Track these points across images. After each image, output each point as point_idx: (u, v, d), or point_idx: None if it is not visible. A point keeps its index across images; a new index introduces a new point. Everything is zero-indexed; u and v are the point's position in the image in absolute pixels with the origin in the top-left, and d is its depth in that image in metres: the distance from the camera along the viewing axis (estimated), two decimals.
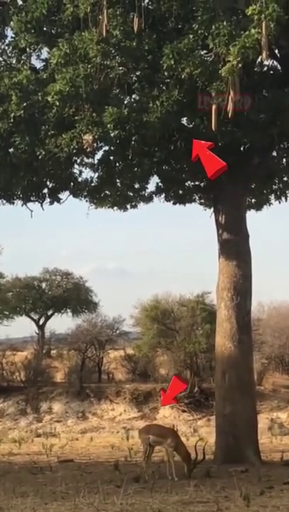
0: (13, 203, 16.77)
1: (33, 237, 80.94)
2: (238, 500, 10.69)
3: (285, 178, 18.14)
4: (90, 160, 16.03)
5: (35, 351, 31.08)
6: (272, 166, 17.35)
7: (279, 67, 15.99)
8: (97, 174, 16.55)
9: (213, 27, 12.77)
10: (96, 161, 16.14)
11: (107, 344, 30.40)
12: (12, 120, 14.27)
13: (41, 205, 16.79)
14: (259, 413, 20.60)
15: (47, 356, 31.58)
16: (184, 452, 13.87)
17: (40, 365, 29.10)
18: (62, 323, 48.69)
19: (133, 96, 14.53)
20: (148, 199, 17.67)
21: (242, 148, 16.40)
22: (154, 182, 17.30)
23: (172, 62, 13.19)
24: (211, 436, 18.05)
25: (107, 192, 17.18)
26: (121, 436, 23.36)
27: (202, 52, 13.80)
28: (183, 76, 13.37)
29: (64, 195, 16.89)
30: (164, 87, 13.99)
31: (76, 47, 13.70)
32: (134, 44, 13.46)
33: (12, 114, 14.17)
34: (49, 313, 36.80)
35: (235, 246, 16.89)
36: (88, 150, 14.36)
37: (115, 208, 17.83)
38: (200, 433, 22.85)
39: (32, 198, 16.66)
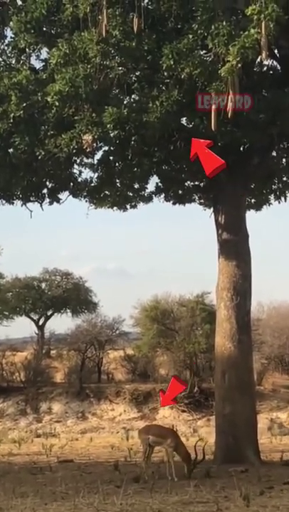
0: (13, 203, 16.78)
1: (33, 238, 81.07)
2: (237, 500, 10.69)
3: (285, 178, 18.13)
4: (90, 160, 16.05)
5: (35, 351, 31.08)
6: (271, 166, 17.35)
7: (279, 67, 16.00)
8: (96, 174, 16.56)
9: (213, 27, 12.77)
10: (96, 161, 16.15)
11: (107, 344, 30.39)
12: (12, 120, 14.26)
13: (41, 206, 16.80)
14: (259, 413, 20.60)
15: (47, 356, 31.57)
16: (184, 452, 13.86)
17: (40, 365, 29.10)
18: (62, 323, 48.79)
19: (133, 96, 14.53)
20: (148, 199, 17.66)
21: (242, 149, 16.40)
22: (153, 182, 17.34)
23: (172, 63, 13.20)
24: (211, 437, 18.05)
25: (106, 192, 17.18)
26: (121, 436, 23.36)
27: (202, 53, 13.81)
28: (182, 76, 13.38)
29: (64, 195, 16.92)
30: (163, 87, 13.99)
31: (76, 47, 13.69)
32: (134, 44, 13.46)
33: (12, 115, 14.17)
34: (49, 313, 36.81)
35: (234, 246, 16.89)
36: (88, 150, 14.36)
37: (115, 208, 17.82)
38: (200, 433, 22.85)
39: (32, 198, 16.66)
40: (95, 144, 14.36)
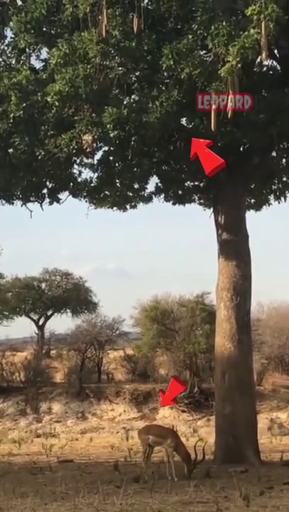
0: (13, 204, 16.79)
1: (33, 238, 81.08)
2: (237, 500, 10.69)
3: (285, 179, 18.13)
4: (90, 160, 16.05)
5: (35, 351, 31.07)
6: (271, 167, 17.35)
7: (278, 67, 16.00)
8: (96, 174, 16.56)
9: (213, 27, 12.77)
10: (95, 162, 16.15)
11: (107, 344, 30.38)
12: (11, 120, 14.26)
13: (41, 206, 16.80)
14: (259, 413, 20.60)
15: (46, 356, 31.56)
16: (184, 453, 13.87)
17: (40, 365, 29.09)
18: (61, 323, 48.77)
19: (132, 96, 14.53)
20: (147, 199, 17.67)
21: (241, 149, 16.41)
22: (153, 182, 17.34)
23: (171, 63, 13.20)
24: (211, 437, 18.05)
25: (106, 192, 17.18)
26: (121, 436, 23.36)
27: (201, 53, 13.81)
28: (182, 76, 13.38)
29: (63, 195, 16.92)
30: (163, 88, 13.99)
31: (75, 47, 13.69)
32: (134, 44, 13.45)
33: (11, 115, 14.16)
34: (49, 313, 36.80)
35: (234, 246, 16.90)
36: (88, 150, 14.36)
37: (115, 208, 17.82)
38: (200, 433, 22.85)
39: (31, 199, 16.66)
40: (94, 144, 14.36)
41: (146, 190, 17.47)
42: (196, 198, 18.75)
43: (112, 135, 14.12)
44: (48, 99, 13.85)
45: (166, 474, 13.70)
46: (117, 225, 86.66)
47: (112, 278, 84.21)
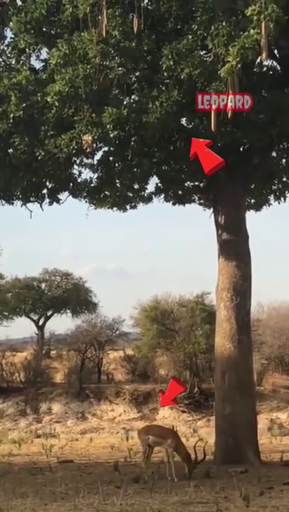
0: (13, 204, 16.78)
1: (33, 238, 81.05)
2: (237, 500, 10.69)
3: (285, 179, 18.13)
4: (90, 160, 16.05)
5: (35, 352, 31.08)
6: (271, 167, 17.35)
7: (278, 67, 16.00)
8: (96, 175, 16.57)
9: (213, 27, 12.78)
10: (95, 162, 16.15)
11: (107, 345, 30.38)
12: (11, 121, 14.26)
13: (41, 206, 16.79)
14: (259, 413, 20.60)
15: (46, 357, 31.56)
16: (184, 453, 13.86)
17: (40, 365, 29.09)
18: (61, 323, 48.78)
19: (132, 96, 14.53)
20: (147, 199, 17.66)
21: (241, 149, 16.41)
22: (153, 182, 17.34)
23: (171, 63, 13.20)
24: (211, 437, 18.04)
25: (106, 192, 17.17)
26: (120, 436, 23.35)
27: (201, 53, 13.82)
28: (182, 76, 13.39)
29: (63, 195, 16.90)
30: (163, 88, 13.99)
31: (75, 47, 13.69)
32: (134, 45, 13.46)
33: (11, 115, 14.17)
34: (49, 313, 36.80)
35: (234, 246, 16.89)
36: (88, 150, 14.36)
37: (115, 208, 17.82)
38: (200, 433, 22.84)
39: (31, 199, 16.65)
40: (94, 145, 14.36)
41: (146, 191, 17.48)
42: (196, 198, 18.75)
43: (112, 135, 14.11)
44: (48, 100, 13.85)
45: (166, 474, 13.70)
46: (117, 225, 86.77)
47: (112, 278, 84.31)
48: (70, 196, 16.94)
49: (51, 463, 16.97)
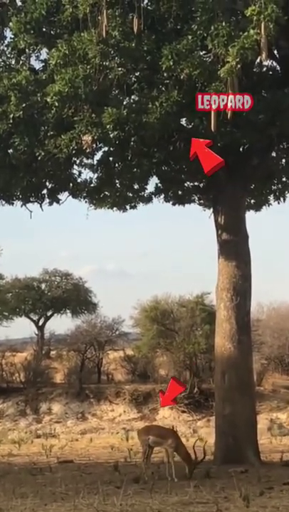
0: (13, 204, 16.77)
1: (33, 238, 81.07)
2: (237, 500, 10.69)
3: (284, 179, 18.13)
4: (90, 161, 16.03)
5: (35, 352, 31.09)
6: (271, 167, 17.35)
7: (278, 67, 16.01)
8: (96, 175, 16.55)
9: (212, 28, 12.78)
10: (95, 162, 16.12)
11: (107, 345, 30.39)
12: (11, 121, 14.26)
13: (40, 206, 16.78)
14: (258, 414, 20.61)
15: (46, 357, 31.57)
16: (184, 453, 13.87)
17: (40, 366, 29.09)
18: (61, 324, 48.81)
19: (132, 97, 14.53)
20: (147, 200, 17.66)
21: (241, 149, 16.41)
22: (153, 183, 17.33)
23: (171, 63, 13.20)
24: (211, 437, 18.04)
25: (106, 193, 17.16)
26: (120, 437, 23.34)
27: (201, 53, 13.82)
28: (182, 77, 13.38)
29: (63, 195, 16.89)
30: (163, 88, 13.99)
31: (75, 48, 13.69)
32: (134, 45, 13.46)
33: (11, 115, 14.16)
34: (48, 314, 36.82)
35: (234, 247, 16.89)
36: (87, 151, 14.36)
37: (115, 208, 17.80)
38: (200, 434, 22.83)
39: (31, 199, 16.65)
40: (94, 145, 14.36)
41: (146, 191, 17.46)
42: (196, 199, 18.75)
43: (111, 135, 14.11)
44: (48, 100, 13.85)
45: (166, 475, 13.70)
46: (117, 225, 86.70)
47: (112, 278, 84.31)
48: (70, 196, 16.93)
49: (51, 463, 16.97)
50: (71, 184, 16.59)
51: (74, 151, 14.37)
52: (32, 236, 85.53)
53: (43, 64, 14.93)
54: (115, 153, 15.65)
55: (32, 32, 14.17)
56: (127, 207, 17.80)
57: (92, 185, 16.71)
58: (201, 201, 18.88)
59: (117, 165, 16.27)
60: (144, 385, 27.35)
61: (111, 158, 16.06)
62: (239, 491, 11.13)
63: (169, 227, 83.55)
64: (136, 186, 17.13)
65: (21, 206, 16.74)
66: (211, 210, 17.68)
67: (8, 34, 14.95)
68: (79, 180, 16.63)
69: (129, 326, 30.92)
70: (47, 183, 16.62)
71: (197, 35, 13.17)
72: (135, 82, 14.56)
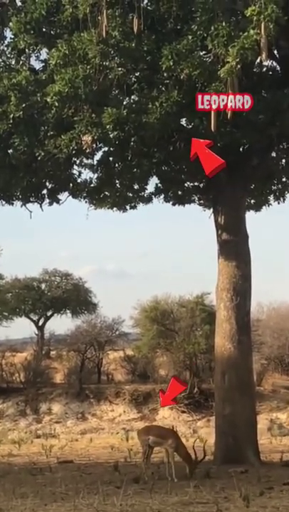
0: (13, 204, 16.78)
1: (33, 238, 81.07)
2: (237, 500, 10.70)
3: (284, 179, 18.13)
4: (90, 161, 16.03)
5: (35, 352, 31.09)
6: (271, 167, 17.35)
7: (278, 67, 16.00)
8: (96, 175, 16.55)
9: (212, 28, 12.78)
10: (95, 162, 16.13)
11: (107, 345, 30.39)
12: (11, 121, 14.26)
13: (40, 206, 16.79)
14: (258, 414, 20.61)
15: (46, 357, 31.57)
16: (184, 453, 13.87)
17: (40, 366, 29.09)
18: (61, 324, 48.83)
19: (132, 97, 14.53)
20: (147, 200, 17.66)
21: (241, 149, 16.40)
22: (153, 183, 17.33)
23: (171, 63, 13.20)
24: (211, 437, 18.05)
25: (106, 193, 17.17)
26: (120, 437, 23.34)
27: (201, 53, 13.81)
28: (182, 77, 13.38)
29: (63, 196, 16.90)
30: (163, 88, 13.99)
31: (75, 48, 13.69)
32: (134, 45, 13.46)
33: (11, 115, 14.16)
34: (48, 314, 36.82)
35: (234, 247, 16.89)
36: (87, 151, 14.37)
37: (115, 208, 17.80)
38: (200, 434, 22.82)
39: (31, 199, 16.65)
40: (94, 145, 14.36)
41: (146, 191, 17.46)
42: (196, 199, 18.75)
43: (111, 136, 14.11)
44: (48, 100, 13.85)
45: (166, 475, 13.70)
46: (117, 225, 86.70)
47: (112, 278, 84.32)
48: (70, 196, 16.94)
49: (51, 463, 16.98)
50: (71, 184, 16.59)
51: (74, 151, 14.37)
52: (32, 236, 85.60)
53: (43, 64, 14.93)
54: (115, 153, 15.65)
55: (32, 32, 14.16)
56: (127, 207, 17.80)
57: (92, 185, 16.71)
58: (201, 201, 18.88)
59: (117, 165, 16.27)
60: (144, 385, 27.34)
61: (111, 159, 16.07)
62: (239, 491, 11.14)
63: (169, 227, 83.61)
64: (136, 186, 17.13)
65: (21, 206, 16.76)
66: (211, 210, 17.68)
67: (8, 34, 14.98)
68: (79, 180, 16.64)
69: (129, 326, 30.97)
70: (47, 183, 16.62)
71: (197, 36, 13.17)
72: (135, 82, 14.56)
